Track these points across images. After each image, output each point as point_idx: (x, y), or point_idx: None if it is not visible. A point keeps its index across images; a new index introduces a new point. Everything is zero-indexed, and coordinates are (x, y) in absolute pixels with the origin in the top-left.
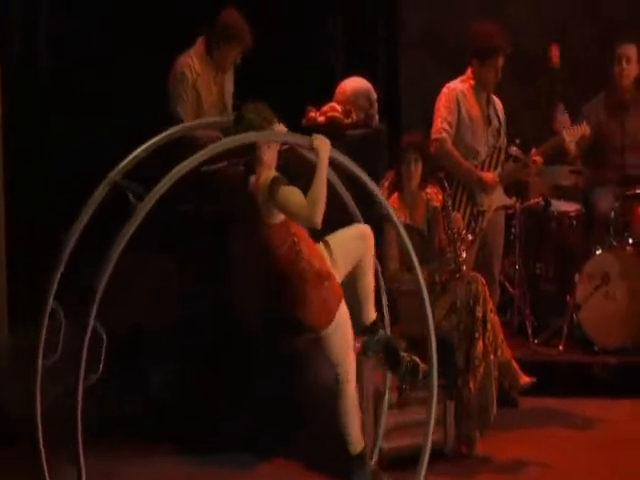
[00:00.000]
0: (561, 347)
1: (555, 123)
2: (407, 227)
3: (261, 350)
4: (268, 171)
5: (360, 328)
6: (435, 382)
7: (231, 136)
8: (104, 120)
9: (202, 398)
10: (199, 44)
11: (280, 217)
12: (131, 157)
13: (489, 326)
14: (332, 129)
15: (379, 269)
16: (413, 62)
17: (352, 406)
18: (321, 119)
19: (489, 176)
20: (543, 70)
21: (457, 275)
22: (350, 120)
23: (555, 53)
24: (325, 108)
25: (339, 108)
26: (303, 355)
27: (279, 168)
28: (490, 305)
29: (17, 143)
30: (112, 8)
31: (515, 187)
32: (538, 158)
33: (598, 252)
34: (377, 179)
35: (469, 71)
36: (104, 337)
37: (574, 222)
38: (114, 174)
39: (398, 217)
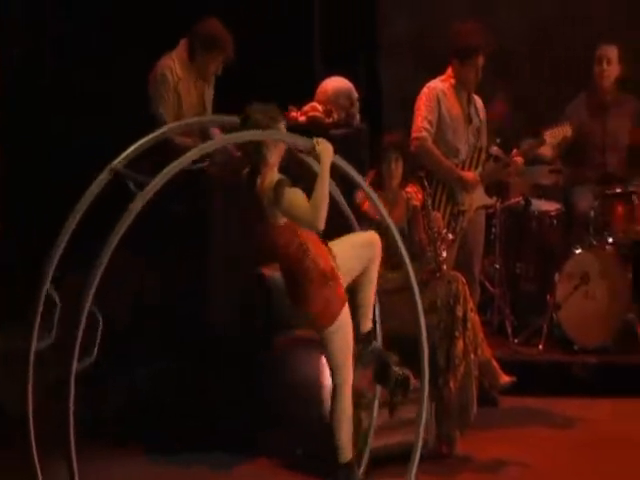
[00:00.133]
0: (541, 346)
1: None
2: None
3: (236, 350)
4: (272, 173)
5: (354, 337)
6: (426, 381)
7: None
8: (104, 120)
9: (177, 398)
10: (181, 48)
11: (285, 218)
12: (135, 146)
13: (469, 325)
14: (313, 129)
15: None
16: (394, 62)
17: (346, 411)
18: (302, 119)
19: (470, 175)
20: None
21: (437, 274)
22: (331, 120)
23: (499, 109)
24: (306, 108)
25: (320, 108)
26: (279, 355)
27: (280, 169)
28: (470, 304)
29: (17, 143)
30: (112, 8)
31: (495, 186)
32: (519, 159)
33: (578, 251)
34: None
35: (449, 70)
36: (100, 321)
37: (554, 221)
38: (116, 163)
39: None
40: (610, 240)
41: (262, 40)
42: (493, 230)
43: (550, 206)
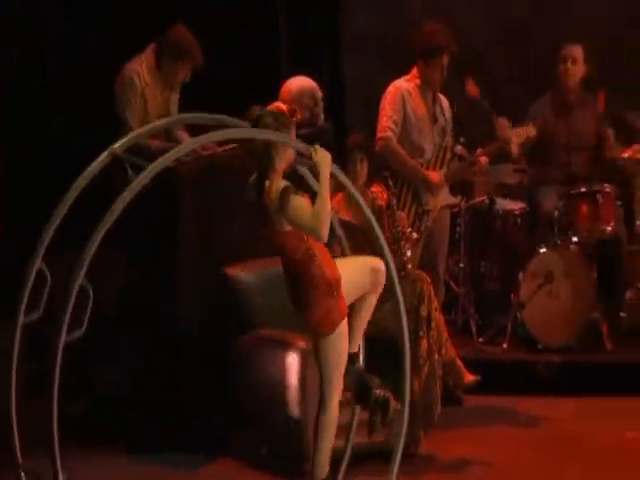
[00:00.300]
0: (505, 345)
1: (497, 127)
2: (352, 226)
3: (203, 350)
4: (279, 179)
5: None
6: (407, 380)
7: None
8: (104, 120)
9: (145, 398)
10: (149, 53)
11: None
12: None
13: (433, 325)
14: None
15: None
16: (358, 61)
17: (329, 426)
18: None
19: (435, 176)
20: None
21: (402, 274)
22: (295, 119)
23: (471, 86)
24: (270, 107)
25: (284, 107)
26: (244, 355)
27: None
28: (435, 304)
29: (17, 143)
30: (112, 8)
31: (460, 186)
32: (484, 158)
33: (542, 250)
34: None
35: (414, 70)
36: (90, 295)
37: (518, 221)
38: (116, 146)
39: (344, 218)
40: (574, 239)
41: (227, 40)
42: (458, 229)
43: (514, 205)
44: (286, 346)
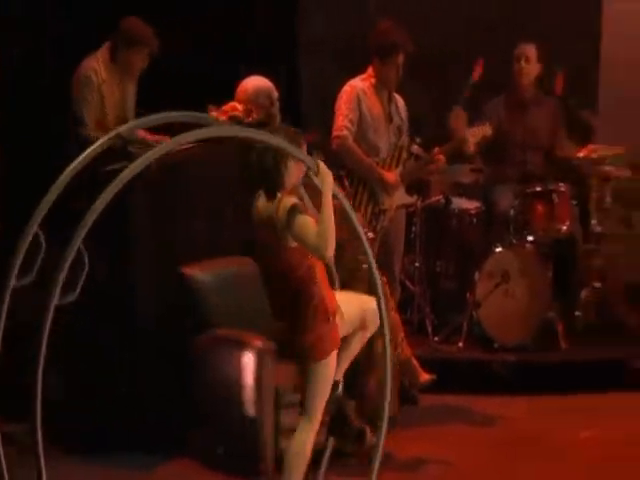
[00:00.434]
0: (461, 344)
1: (451, 123)
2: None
3: (160, 348)
4: (288, 197)
5: None
6: (389, 375)
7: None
8: None
9: (99, 398)
10: (104, 49)
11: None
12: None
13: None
14: None
15: None
16: (314, 63)
17: (304, 448)
18: (222, 118)
19: (391, 177)
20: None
21: (357, 274)
22: (251, 119)
23: (478, 68)
24: (226, 107)
25: (240, 107)
26: (201, 354)
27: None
28: (391, 303)
29: (17, 143)
30: (112, 8)
31: (416, 185)
32: (441, 157)
33: (498, 250)
34: None
35: (370, 69)
36: (86, 260)
37: (474, 220)
38: (124, 129)
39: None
40: (530, 238)
41: (182, 39)
42: (413, 228)
43: (470, 204)
44: (242, 346)
